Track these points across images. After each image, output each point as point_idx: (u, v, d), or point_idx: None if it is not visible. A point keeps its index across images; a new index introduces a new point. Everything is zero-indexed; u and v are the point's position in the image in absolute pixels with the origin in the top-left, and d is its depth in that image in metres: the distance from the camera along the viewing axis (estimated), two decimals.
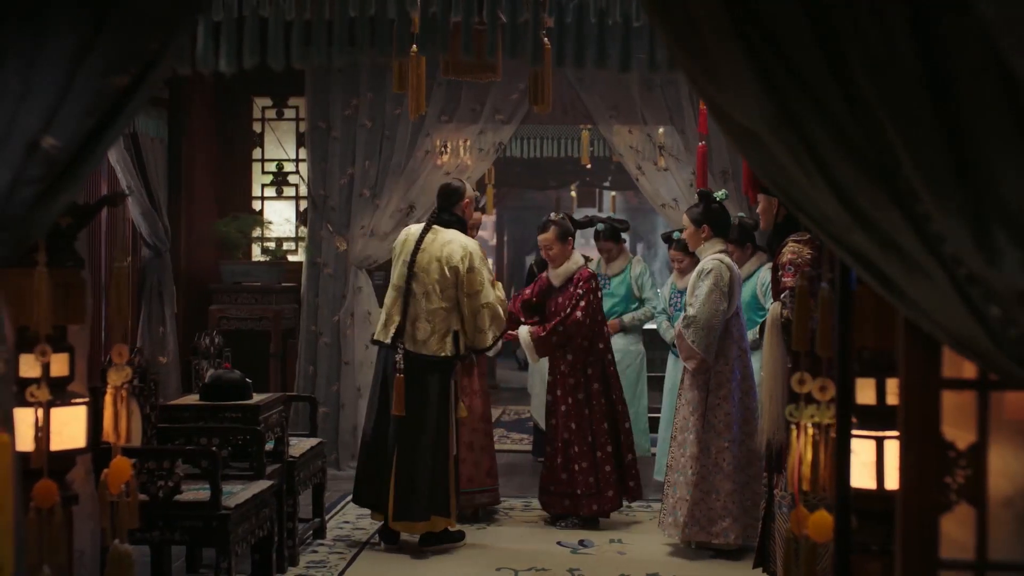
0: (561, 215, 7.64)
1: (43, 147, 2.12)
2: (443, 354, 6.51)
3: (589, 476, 7.12)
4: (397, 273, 6.66)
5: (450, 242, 6.58)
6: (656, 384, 8.85)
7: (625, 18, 5.38)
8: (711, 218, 6.68)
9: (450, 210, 6.72)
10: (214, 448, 5.16)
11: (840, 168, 1.98)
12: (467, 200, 6.80)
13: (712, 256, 6.60)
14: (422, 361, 6.47)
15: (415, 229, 6.75)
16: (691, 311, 6.50)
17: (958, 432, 2.22)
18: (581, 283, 7.27)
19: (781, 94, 1.99)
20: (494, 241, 20.61)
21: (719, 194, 6.90)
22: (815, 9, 1.95)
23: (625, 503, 7.33)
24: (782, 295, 5.02)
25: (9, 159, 2.10)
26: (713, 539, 6.45)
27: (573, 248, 7.43)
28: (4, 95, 2.10)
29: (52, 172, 2.15)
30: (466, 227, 6.80)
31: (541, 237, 7.41)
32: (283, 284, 9.19)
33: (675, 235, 7.86)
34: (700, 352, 6.46)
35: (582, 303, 7.19)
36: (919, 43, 1.89)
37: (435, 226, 6.66)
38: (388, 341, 6.53)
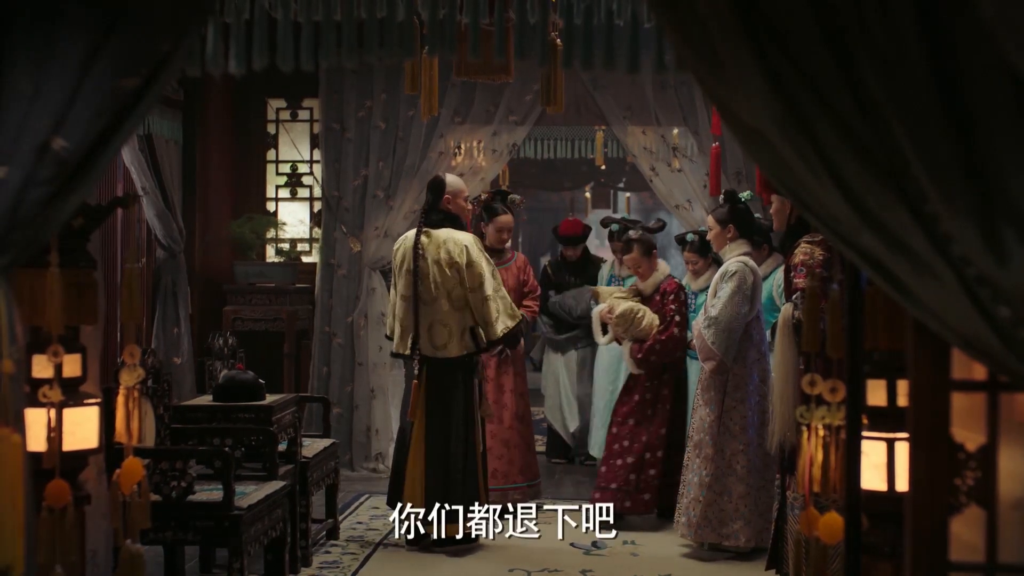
0: (640, 230, 7.48)
1: (53, 148, 2.14)
2: (465, 352, 6.51)
3: (631, 473, 7.11)
4: (403, 283, 6.59)
5: (445, 242, 6.49)
6: None
7: (634, 19, 5.37)
8: (737, 218, 6.64)
9: (436, 208, 6.60)
10: (227, 448, 5.17)
11: (848, 168, 1.97)
12: (448, 195, 6.62)
13: (737, 258, 6.55)
14: (447, 364, 6.47)
15: (411, 236, 6.64)
16: (713, 312, 6.46)
17: (968, 434, 2.21)
18: (671, 296, 7.18)
19: (789, 94, 1.99)
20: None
21: (744, 195, 6.85)
22: (823, 9, 1.95)
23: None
24: (794, 296, 5.00)
25: (20, 160, 2.11)
26: (724, 540, 6.44)
27: (657, 257, 7.37)
28: (15, 97, 2.11)
29: (63, 173, 2.17)
30: (459, 221, 6.65)
31: (627, 258, 7.38)
32: (297, 285, 9.20)
33: (688, 237, 7.85)
34: (719, 353, 6.43)
35: (677, 318, 7.12)
36: (928, 43, 1.89)
37: (425, 229, 6.55)
38: (408, 352, 6.53)
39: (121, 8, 2.18)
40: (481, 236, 7.49)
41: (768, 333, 6.89)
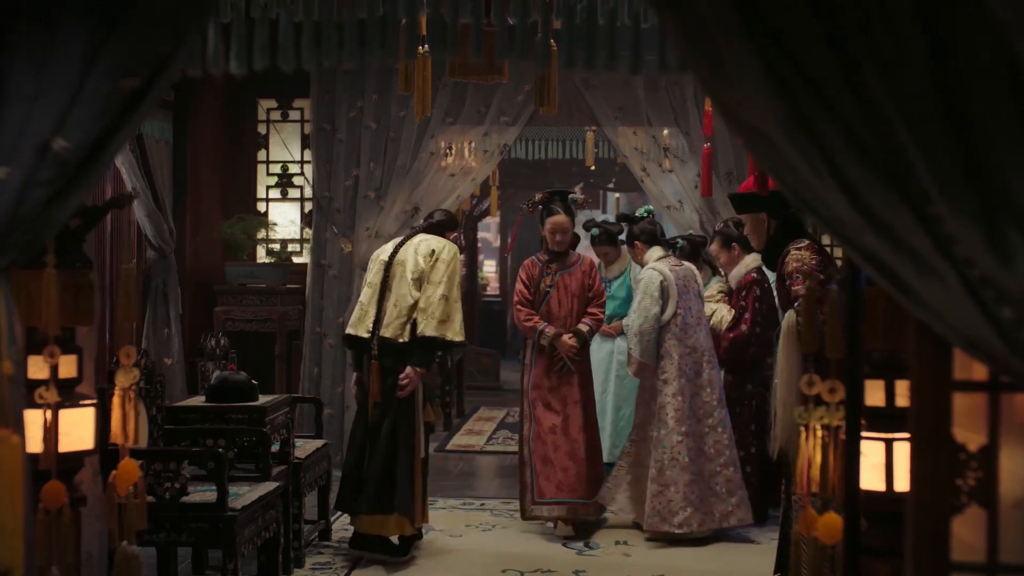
0: (725, 222, 7.62)
1: (54, 149, 2.13)
2: (401, 340, 6.29)
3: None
4: (374, 272, 6.49)
5: (428, 239, 6.45)
6: None
7: (635, 20, 5.37)
8: (638, 234, 7.32)
9: (442, 229, 6.59)
10: (221, 450, 5.16)
11: (851, 169, 1.97)
12: (452, 233, 6.65)
13: (648, 266, 7.08)
14: (386, 345, 6.29)
15: (395, 241, 6.67)
16: (626, 320, 7.00)
17: (969, 434, 2.22)
18: (743, 292, 7.20)
19: (792, 95, 1.99)
20: (497, 243, 20.61)
21: (641, 210, 7.53)
22: (825, 9, 1.95)
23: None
24: (795, 304, 5.00)
25: (21, 161, 2.11)
26: (675, 529, 6.75)
27: (740, 253, 7.34)
28: (16, 97, 2.10)
29: (63, 174, 2.16)
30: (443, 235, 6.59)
31: (710, 249, 7.61)
32: (288, 286, 9.19)
33: (678, 243, 7.97)
34: (636, 356, 6.96)
35: (746, 315, 7.14)
36: (930, 43, 1.89)
37: (419, 234, 6.54)
38: (367, 335, 6.36)
39: (121, 9, 2.17)
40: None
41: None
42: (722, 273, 7.72)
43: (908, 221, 1.95)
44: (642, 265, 7.30)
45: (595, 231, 8.50)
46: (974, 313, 1.94)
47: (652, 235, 7.33)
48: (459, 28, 5.06)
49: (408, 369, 6.27)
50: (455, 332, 6.30)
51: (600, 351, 8.52)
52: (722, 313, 7.40)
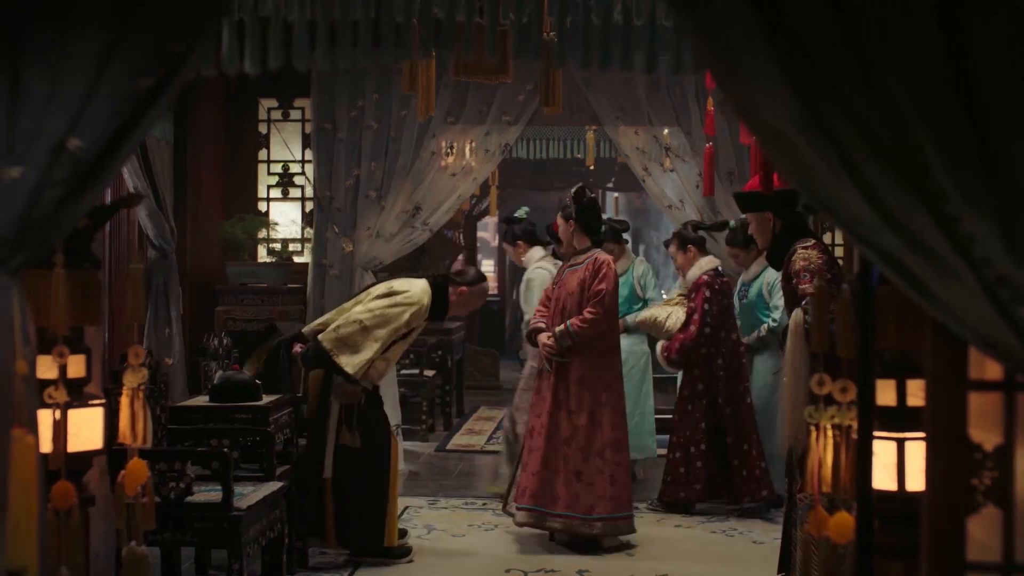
0: (684, 224, 7.91)
1: (68, 149, 2.12)
2: (307, 330, 6.27)
3: (680, 467, 7.48)
4: None
5: (416, 282, 6.25)
6: (659, 385, 8.93)
7: (650, 19, 5.36)
8: (521, 235, 7.86)
9: (446, 283, 6.31)
10: (225, 450, 5.15)
11: (869, 169, 1.97)
12: (463, 287, 6.33)
13: (535, 266, 7.67)
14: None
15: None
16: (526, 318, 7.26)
17: (984, 434, 2.22)
18: (694, 294, 7.39)
19: (809, 95, 1.99)
20: (495, 243, 20.61)
21: (520, 212, 8.05)
22: (843, 9, 1.95)
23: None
24: (803, 302, 5.00)
25: (35, 161, 2.10)
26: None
27: (696, 255, 7.57)
28: (31, 97, 2.10)
29: (77, 173, 2.16)
30: (447, 301, 6.30)
31: (669, 251, 7.90)
32: (289, 285, 9.18)
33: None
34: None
35: (695, 316, 7.34)
36: (947, 43, 1.89)
37: (427, 278, 6.38)
38: None
39: (136, 8, 2.17)
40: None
41: (763, 330, 7.22)
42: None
43: (925, 221, 1.95)
44: (522, 265, 7.81)
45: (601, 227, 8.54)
46: (991, 313, 1.94)
47: (533, 235, 7.86)
48: (472, 27, 5.05)
49: (298, 345, 6.25)
50: (351, 364, 5.97)
51: (638, 353, 8.51)
52: (677, 315, 7.51)
